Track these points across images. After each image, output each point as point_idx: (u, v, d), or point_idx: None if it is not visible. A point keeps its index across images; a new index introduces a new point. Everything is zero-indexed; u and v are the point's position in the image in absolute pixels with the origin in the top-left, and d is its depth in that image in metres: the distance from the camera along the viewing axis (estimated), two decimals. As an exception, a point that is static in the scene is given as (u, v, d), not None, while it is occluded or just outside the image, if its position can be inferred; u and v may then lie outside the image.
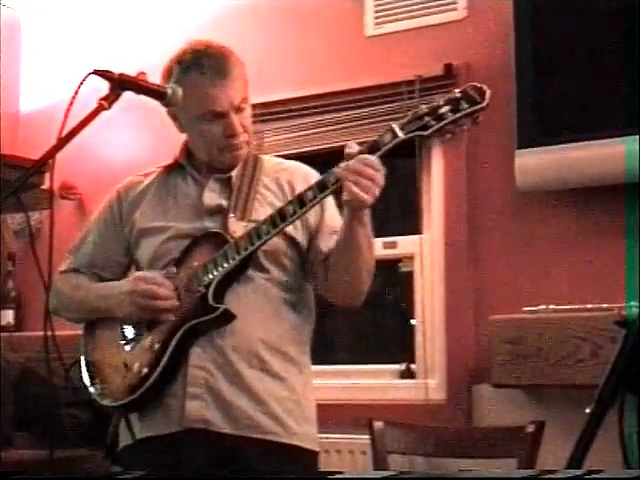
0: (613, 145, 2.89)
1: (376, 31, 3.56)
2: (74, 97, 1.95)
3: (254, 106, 2.34)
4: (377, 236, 2.19)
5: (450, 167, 3.37)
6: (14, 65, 4.32)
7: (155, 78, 2.17)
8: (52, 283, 2.30)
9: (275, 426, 2.16)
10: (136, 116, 3.67)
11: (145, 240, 2.28)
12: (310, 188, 2.09)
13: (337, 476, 1.49)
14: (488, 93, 1.99)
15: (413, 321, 3.46)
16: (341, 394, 3.43)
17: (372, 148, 2.04)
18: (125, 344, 2.23)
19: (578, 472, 1.42)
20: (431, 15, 3.45)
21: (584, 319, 2.93)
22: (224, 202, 2.24)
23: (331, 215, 2.25)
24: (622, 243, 2.98)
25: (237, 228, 2.17)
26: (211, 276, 2.14)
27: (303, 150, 3.46)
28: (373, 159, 2.01)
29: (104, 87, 2.03)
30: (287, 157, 2.51)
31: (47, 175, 2.30)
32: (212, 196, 2.26)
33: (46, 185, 2.92)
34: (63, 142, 1.92)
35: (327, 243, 2.21)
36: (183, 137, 2.36)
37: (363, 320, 3.77)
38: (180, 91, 2.12)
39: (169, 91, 2.10)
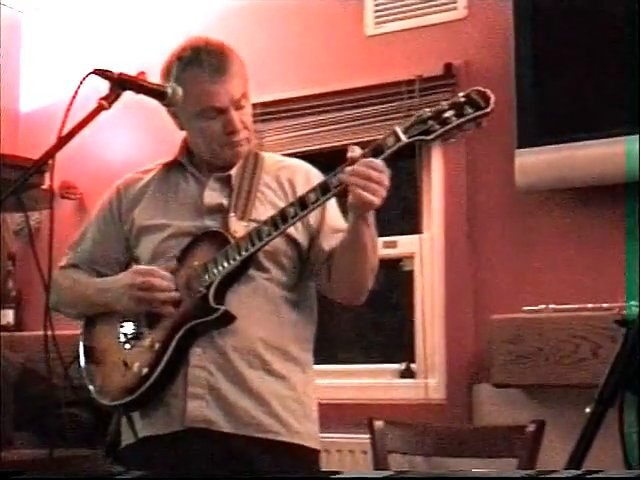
0: (613, 145, 2.89)
1: (376, 31, 3.56)
2: (74, 97, 1.94)
3: (254, 105, 2.34)
4: (377, 236, 2.18)
5: (450, 166, 3.37)
6: (14, 65, 4.32)
7: (155, 78, 2.18)
8: (51, 279, 2.30)
9: (276, 425, 2.16)
10: (136, 116, 3.67)
11: (145, 238, 2.28)
12: (312, 190, 2.09)
13: (338, 476, 1.49)
14: (492, 98, 1.99)
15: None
16: (341, 393, 3.43)
17: (375, 151, 2.03)
18: (125, 342, 2.23)
19: (577, 472, 1.42)
20: (431, 15, 3.46)
21: (584, 318, 2.93)
22: (224, 201, 2.24)
23: (332, 215, 2.25)
24: (622, 243, 2.98)
25: (237, 227, 2.17)
26: (212, 276, 2.14)
27: (303, 150, 3.47)
28: (378, 162, 2.00)
29: (104, 87, 2.03)
30: (287, 156, 2.50)
31: (47, 175, 2.30)
32: (212, 195, 2.26)
33: (46, 185, 2.92)
34: (63, 142, 1.92)
35: (329, 242, 2.21)
36: (184, 136, 2.36)
37: (363, 319, 3.77)
38: (180, 90, 2.12)
39: (169, 91, 2.09)
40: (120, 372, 2.20)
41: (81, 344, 2.31)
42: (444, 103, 2.01)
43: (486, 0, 3.34)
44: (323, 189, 2.07)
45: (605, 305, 2.91)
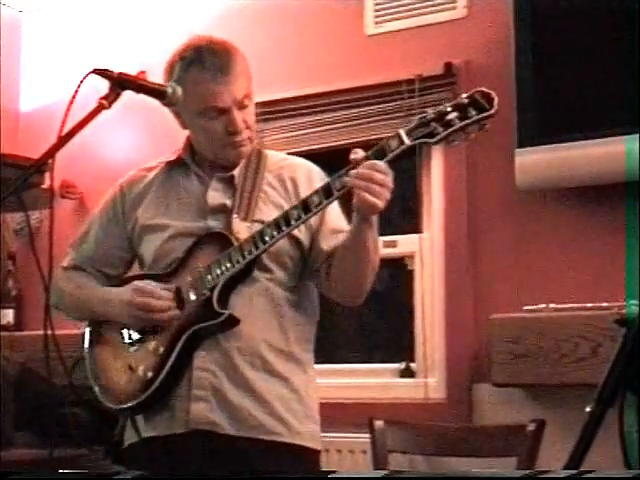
0: (613, 144, 2.89)
1: (376, 30, 3.56)
2: (74, 96, 1.94)
3: (254, 105, 2.33)
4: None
5: (450, 166, 3.37)
6: (14, 65, 4.32)
7: (155, 77, 2.17)
8: (53, 279, 2.30)
9: (279, 426, 2.16)
10: (136, 116, 3.67)
11: (148, 237, 2.28)
12: (315, 193, 2.08)
13: (334, 475, 1.49)
14: (496, 100, 1.98)
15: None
16: (341, 393, 3.43)
17: (378, 153, 2.02)
18: (130, 345, 2.23)
19: (577, 472, 1.42)
20: (431, 14, 3.45)
21: (584, 318, 2.93)
22: (228, 201, 2.24)
23: (333, 215, 2.25)
24: (622, 242, 2.98)
25: (240, 228, 2.17)
26: (215, 279, 2.14)
27: (303, 149, 3.46)
28: (381, 164, 1.99)
29: (104, 87, 2.03)
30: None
31: (47, 174, 2.31)
32: (215, 195, 2.25)
33: (46, 184, 2.92)
34: (63, 141, 1.92)
35: (329, 243, 2.21)
36: (183, 135, 2.36)
37: (363, 319, 3.77)
38: (180, 90, 2.12)
39: (169, 90, 2.09)
40: (125, 375, 2.20)
41: (86, 347, 2.31)
42: (447, 105, 2.00)
43: (486, 0, 3.34)
44: (326, 192, 2.07)
45: (605, 305, 2.91)
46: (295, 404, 2.20)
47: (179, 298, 2.17)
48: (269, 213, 2.18)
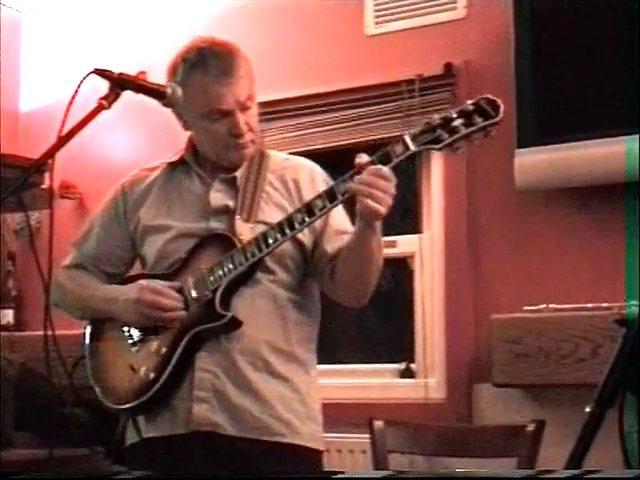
0: (613, 144, 2.89)
1: (376, 30, 3.56)
2: (74, 96, 1.94)
3: (257, 106, 2.33)
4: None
5: (450, 166, 3.37)
6: (14, 65, 4.32)
7: (155, 77, 2.17)
8: (55, 277, 2.30)
9: (281, 427, 2.16)
10: (136, 116, 3.67)
11: (150, 238, 2.28)
12: (319, 197, 2.08)
13: (340, 476, 1.49)
14: (502, 107, 1.98)
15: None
16: (341, 393, 3.43)
17: (382, 158, 2.02)
18: (131, 345, 2.23)
19: (577, 472, 1.42)
20: (431, 14, 3.45)
21: (584, 318, 2.93)
22: (230, 203, 2.23)
23: (336, 217, 2.24)
24: (622, 242, 2.98)
25: (243, 230, 2.16)
26: (218, 280, 2.14)
27: (303, 149, 3.46)
28: (385, 170, 1.99)
29: (104, 87, 2.03)
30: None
31: (47, 174, 2.30)
32: (218, 197, 2.25)
33: (46, 184, 2.92)
34: (63, 141, 1.92)
35: (333, 244, 2.21)
36: (183, 136, 2.36)
37: (363, 319, 3.77)
38: (180, 90, 2.12)
39: (169, 90, 2.09)
40: (127, 376, 2.20)
41: (87, 347, 2.31)
42: (453, 111, 2.00)
43: (486, 0, 3.34)
44: (330, 196, 2.07)
45: (605, 305, 2.91)
46: (297, 405, 2.20)
47: (182, 299, 2.17)
48: (272, 214, 2.18)
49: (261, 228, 2.14)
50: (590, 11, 2.98)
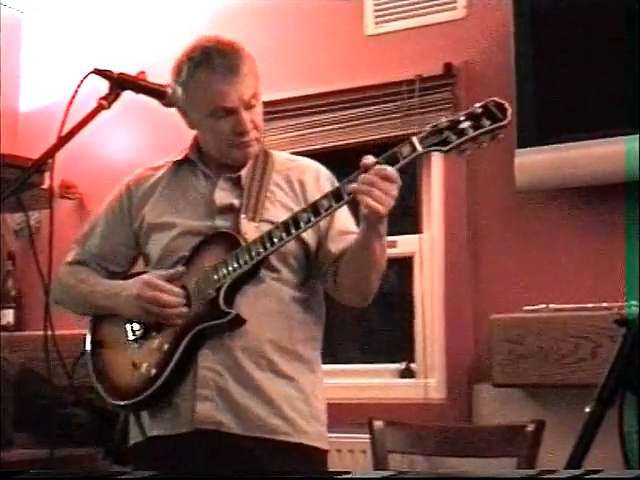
0: (613, 144, 2.89)
1: (376, 30, 3.56)
2: (74, 96, 1.95)
3: (262, 105, 2.33)
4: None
5: (450, 166, 3.37)
6: (14, 64, 4.32)
7: (155, 77, 2.17)
8: (56, 274, 2.31)
9: (285, 426, 2.16)
10: (136, 116, 3.67)
11: (154, 235, 2.28)
12: (325, 196, 2.09)
13: (344, 476, 1.49)
14: (509, 110, 1.99)
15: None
16: (341, 393, 3.43)
17: (389, 159, 2.03)
18: (133, 342, 2.23)
19: (577, 472, 1.42)
20: (431, 14, 3.45)
21: (584, 318, 2.93)
22: (235, 201, 2.24)
23: (341, 217, 2.25)
24: (622, 242, 2.98)
25: (248, 229, 2.17)
26: (222, 278, 2.14)
27: (303, 149, 3.46)
28: (390, 171, 2.00)
29: (104, 87, 2.03)
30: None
31: (47, 174, 2.30)
32: (223, 195, 2.26)
33: (46, 184, 2.92)
34: (63, 141, 1.92)
35: (337, 245, 2.21)
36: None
37: (363, 319, 3.77)
38: (180, 90, 2.12)
39: (169, 90, 2.09)
40: (128, 372, 2.20)
41: (88, 344, 2.31)
42: (461, 114, 2.01)
43: (485, 0, 3.34)
44: (336, 196, 2.07)
45: (605, 305, 2.91)
46: (301, 404, 2.20)
47: (185, 296, 2.18)
48: (277, 213, 2.18)
49: (266, 227, 2.14)
50: (590, 11, 2.98)
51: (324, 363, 2.27)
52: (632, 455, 1.65)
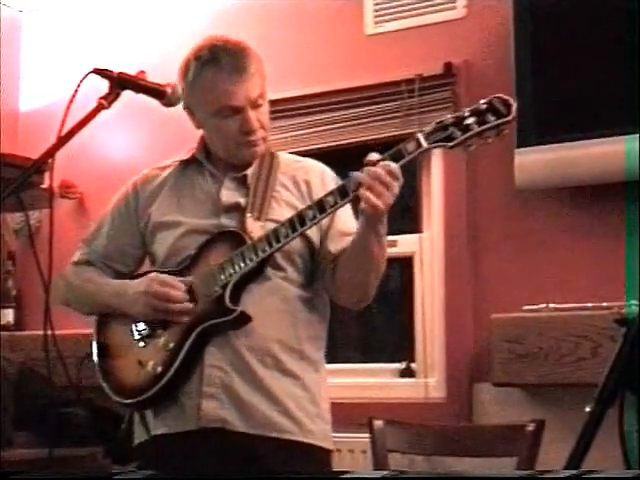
0: (613, 143, 2.89)
1: (376, 30, 3.56)
2: (74, 96, 1.95)
3: (268, 104, 2.33)
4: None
5: (450, 166, 3.37)
6: (14, 64, 4.32)
7: (155, 77, 2.17)
8: (63, 274, 2.33)
9: (291, 425, 2.17)
10: (136, 115, 3.67)
11: (161, 234, 2.28)
12: (330, 193, 2.09)
13: (347, 475, 1.49)
14: (514, 106, 2.00)
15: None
16: (341, 393, 3.42)
17: (394, 155, 2.03)
18: (139, 340, 2.23)
19: (577, 472, 1.42)
20: (431, 14, 3.45)
21: (584, 318, 2.93)
22: (241, 200, 2.24)
23: (343, 217, 2.25)
24: (622, 242, 2.98)
25: (254, 227, 2.17)
26: (228, 276, 2.14)
27: (302, 149, 3.46)
28: (394, 166, 2.00)
29: (104, 86, 2.03)
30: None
31: (47, 174, 2.31)
32: (229, 194, 2.26)
33: (46, 184, 2.92)
34: (63, 141, 1.93)
35: (336, 245, 2.21)
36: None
37: (363, 319, 3.77)
38: (180, 90, 2.12)
39: (168, 90, 2.10)
40: (134, 370, 2.21)
41: (94, 343, 2.31)
42: (466, 110, 2.02)
43: (485, 0, 3.34)
44: (341, 192, 2.07)
45: (605, 304, 2.91)
46: (307, 403, 2.21)
47: (191, 294, 2.18)
48: (282, 213, 2.19)
49: (272, 226, 2.15)
50: (590, 11, 2.98)
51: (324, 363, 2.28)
52: (632, 455, 1.64)
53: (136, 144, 3.98)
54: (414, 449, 3.08)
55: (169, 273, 2.22)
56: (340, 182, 2.16)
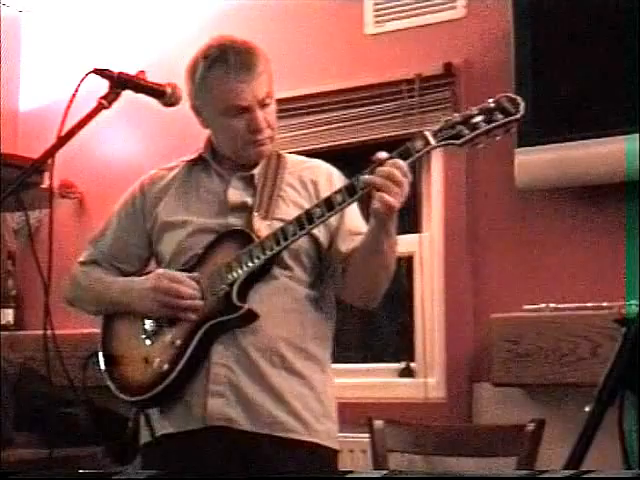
0: (613, 143, 2.89)
1: (376, 30, 3.56)
2: (74, 96, 1.95)
3: (275, 104, 2.33)
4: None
5: (450, 166, 3.37)
6: (14, 64, 4.32)
7: (155, 77, 2.17)
8: (70, 273, 2.33)
9: (297, 424, 2.17)
10: (136, 115, 3.67)
11: (167, 234, 2.29)
12: (339, 191, 2.09)
13: (351, 475, 1.50)
14: (522, 105, 2.01)
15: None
16: (341, 392, 3.40)
17: (402, 153, 2.04)
18: (145, 338, 2.23)
19: (576, 471, 1.42)
20: (431, 14, 3.45)
21: (584, 317, 2.94)
22: (248, 200, 2.25)
23: (352, 217, 2.26)
24: (622, 241, 2.98)
25: (261, 226, 2.18)
26: (235, 275, 2.14)
27: (302, 149, 3.45)
28: (402, 164, 2.01)
29: (104, 86, 2.03)
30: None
31: (47, 174, 2.31)
32: (236, 193, 2.26)
33: (46, 184, 2.92)
34: (63, 141, 1.93)
35: (347, 244, 2.22)
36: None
37: (363, 318, 3.77)
38: (180, 91, 2.13)
39: (168, 90, 2.10)
40: (140, 368, 2.21)
41: (100, 341, 2.31)
42: (474, 108, 2.03)
43: (485, 0, 3.34)
44: (349, 191, 2.07)
45: (605, 304, 2.91)
46: (313, 402, 2.21)
47: (199, 292, 2.18)
48: (289, 212, 2.19)
49: (279, 225, 2.15)
50: (590, 11, 2.98)
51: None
52: (632, 455, 1.64)
53: (136, 144, 3.98)
54: (414, 449, 3.09)
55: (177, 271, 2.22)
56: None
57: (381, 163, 2.01)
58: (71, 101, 1.95)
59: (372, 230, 2.09)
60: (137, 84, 2.08)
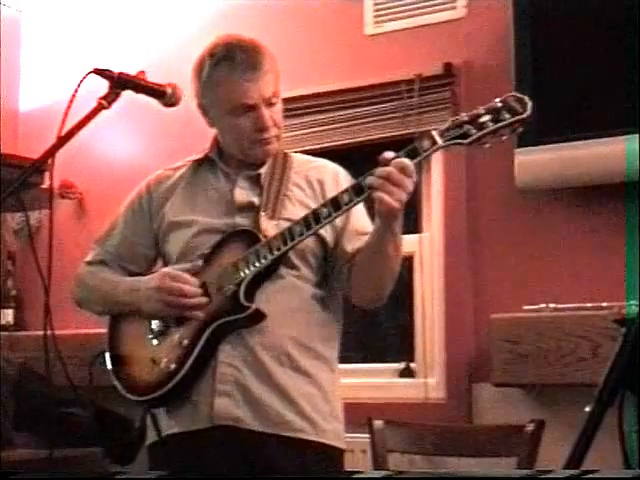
0: (613, 143, 2.89)
1: (376, 30, 3.56)
2: (74, 96, 1.95)
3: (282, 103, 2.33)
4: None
5: (450, 166, 3.37)
6: (14, 64, 4.32)
7: (155, 77, 2.17)
8: (77, 274, 2.33)
9: (304, 424, 2.17)
10: (136, 115, 3.67)
11: (174, 234, 2.29)
12: (346, 191, 2.09)
13: (359, 476, 1.50)
14: (529, 104, 2.01)
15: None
16: (341, 393, 3.42)
17: (410, 153, 2.04)
18: (152, 338, 2.23)
19: (576, 472, 1.42)
20: (431, 14, 3.45)
21: (584, 318, 2.93)
22: (255, 199, 2.25)
23: (358, 217, 2.26)
24: (622, 242, 2.98)
25: (268, 226, 2.18)
26: (242, 274, 2.14)
27: (302, 149, 3.45)
28: (407, 163, 2.01)
29: (104, 86, 2.03)
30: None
31: (47, 174, 2.31)
32: (242, 193, 2.27)
33: (46, 184, 2.93)
34: (63, 141, 1.93)
35: (352, 244, 2.22)
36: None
37: (363, 319, 3.77)
38: (180, 91, 2.13)
39: (168, 90, 2.10)
40: (147, 368, 2.21)
41: (107, 341, 2.31)
42: (481, 108, 2.03)
43: (485, 0, 3.34)
44: (356, 190, 2.07)
45: (605, 305, 2.91)
46: (321, 402, 2.21)
47: (205, 292, 2.18)
48: (296, 212, 2.19)
49: (285, 225, 2.15)
50: (590, 11, 2.98)
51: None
52: (632, 455, 1.65)
53: (136, 144, 3.98)
54: (414, 449, 3.08)
55: (183, 270, 2.22)
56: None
57: (386, 163, 2.01)
58: (71, 101, 1.95)
59: (377, 230, 2.09)
60: (137, 84, 2.08)
